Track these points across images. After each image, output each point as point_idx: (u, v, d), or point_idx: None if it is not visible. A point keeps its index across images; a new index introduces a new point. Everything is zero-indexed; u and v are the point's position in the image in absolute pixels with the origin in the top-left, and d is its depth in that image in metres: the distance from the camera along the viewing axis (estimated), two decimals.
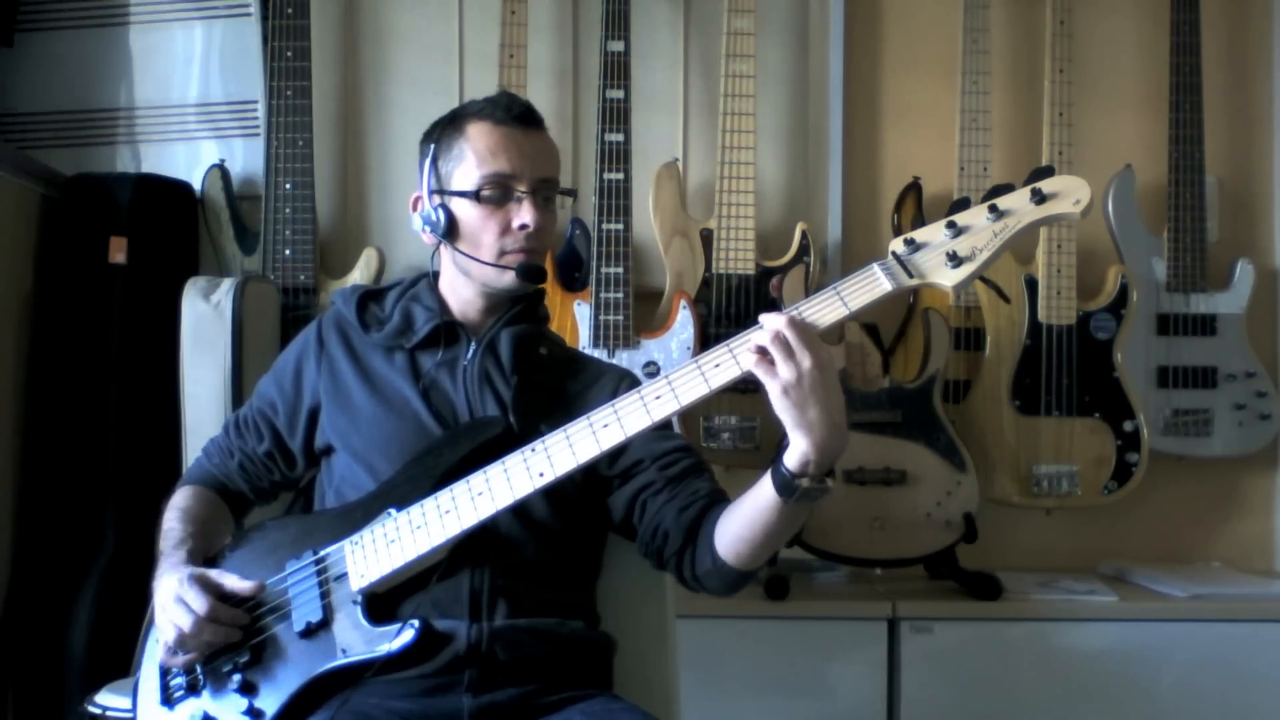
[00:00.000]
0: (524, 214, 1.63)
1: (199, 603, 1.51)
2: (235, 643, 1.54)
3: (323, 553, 1.56)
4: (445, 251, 1.69)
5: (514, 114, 1.66)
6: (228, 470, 1.79)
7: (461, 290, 1.70)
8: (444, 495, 1.51)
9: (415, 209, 1.71)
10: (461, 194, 1.64)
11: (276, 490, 1.82)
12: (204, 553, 1.64)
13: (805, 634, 2.56)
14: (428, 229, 1.67)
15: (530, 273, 1.64)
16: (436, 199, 1.67)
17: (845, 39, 2.95)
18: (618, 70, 2.74)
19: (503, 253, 1.64)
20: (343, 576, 1.54)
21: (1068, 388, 2.81)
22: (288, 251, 2.71)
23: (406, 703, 1.52)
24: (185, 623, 1.51)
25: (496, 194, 1.63)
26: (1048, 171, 1.45)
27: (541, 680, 1.57)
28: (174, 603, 1.52)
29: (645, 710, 1.57)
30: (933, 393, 2.67)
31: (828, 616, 2.59)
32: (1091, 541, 2.96)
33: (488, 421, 1.61)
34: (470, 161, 1.64)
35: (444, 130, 1.69)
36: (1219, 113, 2.98)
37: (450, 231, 1.65)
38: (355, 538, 1.55)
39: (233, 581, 1.55)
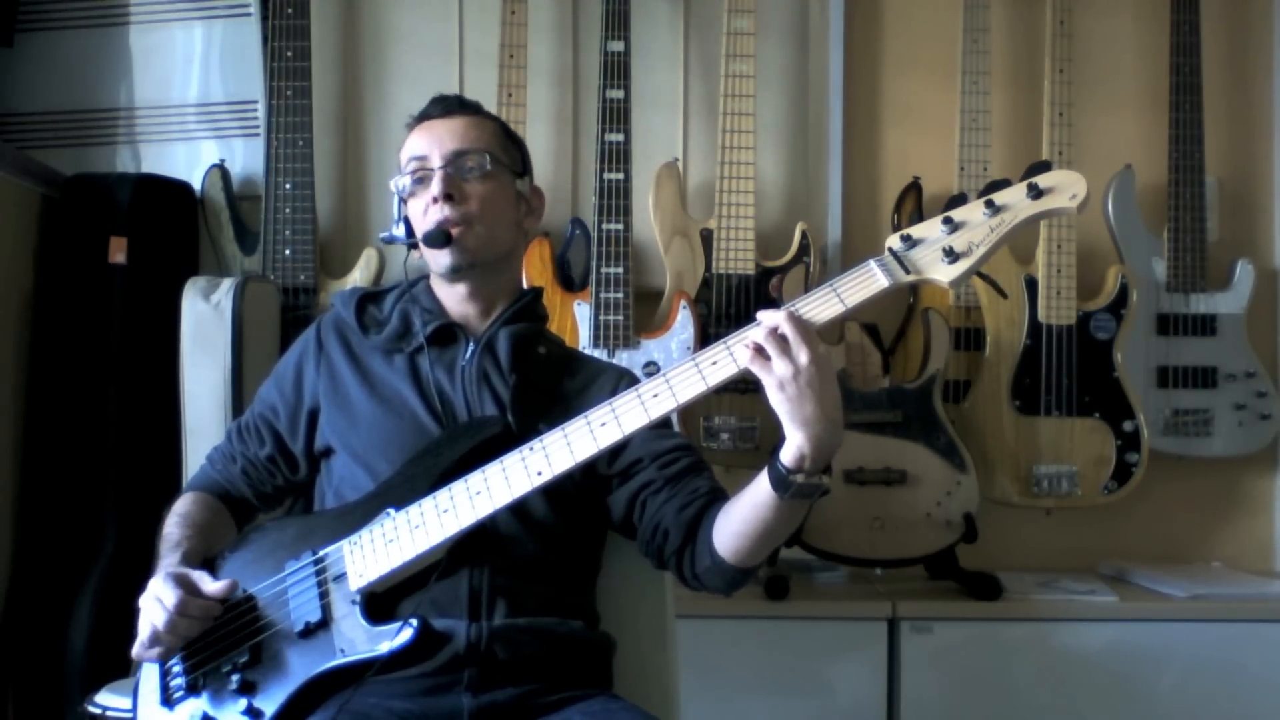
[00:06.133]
0: (433, 186, 1.65)
1: (170, 597, 1.52)
2: (234, 643, 1.54)
3: (321, 553, 1.56)
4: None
5: (435, 105, 1.73)
6: (230, 476, 1.79)
7: (443, 291, 1.72)
8: (442, 495, 1.51)
9: None
10: (399, 193, 1.69)
11: (280, 495, 1.82)
12: (202, 555, 1.64)
13: (805, 634, 2.56)
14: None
15: (430, 238, 1.64)
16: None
17: (845, 39, 2.95)
18: (618, 70, 2.74)
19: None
20: (341, 576, 1.53)
21: (1068, 388, 2.81)
22: (288, 251, 2.71)
23: (406, 702, 1.53)
24: (159, 619, 1.51)
25: (416, 179, 1.68)
26: (1044, 166, 1.45)
27: (541, 680, 1.57)
28: (150, 600, 1.53)
29: (645, 710, 1.57)
30: (933, 393, 2.67)
31: (828, 616, 2.59)
32: (1091, 541, 2.96)
33: (486, 421, 1.61)
34: (401, 162, 1.71)
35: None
36: (1219, 113, 2.98)
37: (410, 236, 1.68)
38: (354, 538, 1.55)
39: (208, 583, 1.56)
